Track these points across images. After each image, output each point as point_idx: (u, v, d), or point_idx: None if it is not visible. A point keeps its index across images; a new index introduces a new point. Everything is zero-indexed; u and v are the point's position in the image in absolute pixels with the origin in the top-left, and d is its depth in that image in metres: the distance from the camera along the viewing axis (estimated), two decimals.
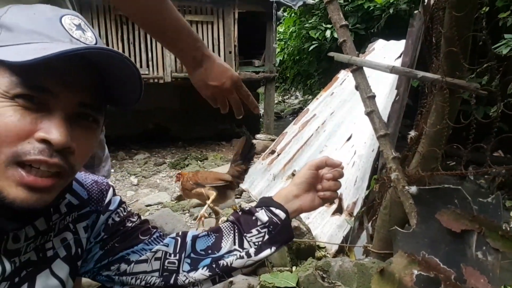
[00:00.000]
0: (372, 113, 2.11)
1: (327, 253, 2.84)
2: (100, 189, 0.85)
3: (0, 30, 0.59)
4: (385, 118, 2.62)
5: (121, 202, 0.90)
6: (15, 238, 0.66)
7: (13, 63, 0.54)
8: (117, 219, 0.86)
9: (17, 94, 0.57)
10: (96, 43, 0.64)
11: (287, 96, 14.36)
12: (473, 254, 1.52)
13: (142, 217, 0.93)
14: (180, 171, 3.71)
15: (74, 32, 0.62)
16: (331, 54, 2.28)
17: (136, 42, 5.91)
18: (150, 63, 6.02)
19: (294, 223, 2.77)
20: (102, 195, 0.85)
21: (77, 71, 0.61)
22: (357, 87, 2.19)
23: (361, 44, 5.96)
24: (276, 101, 11.67)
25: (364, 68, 2.18)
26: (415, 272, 1.75)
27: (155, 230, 0.91)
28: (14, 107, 0.57)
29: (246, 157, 3.06)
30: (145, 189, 4.81)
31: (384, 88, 3.30)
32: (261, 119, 8.32)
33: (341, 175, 0.93)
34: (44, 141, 0.58)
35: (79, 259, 0.80)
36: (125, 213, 0.89)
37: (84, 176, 0.85)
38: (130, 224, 0.87)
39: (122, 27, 5.83)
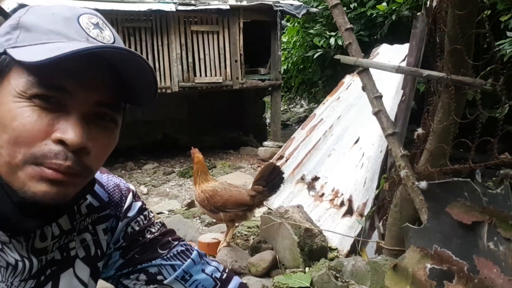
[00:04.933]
0: (379, 113, 2.16)
1: (339, 254, 2.86)
2: (121, 194, 0.85)
3: (19, 30, 0.59)
4: (392, 119, 2.66)
5: (142, 209, 0.88)
6: (42, 236, 0.68)
7: (27, 63, 0.54)
8: (137, 228, 0.86)
9: (34, 94, 0.56)
10: (113, 42, 0.64)
11: (292, 105, 14.44)
12: (485, 245, 1.55)
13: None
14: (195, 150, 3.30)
15: (91, 31, 0.61)
16: (337, 56, 2.34)
17: (144, 53, 6.02)
18: (157, 73, 6.11)
19: (306, 225, 2.81)
20: (122, 200, 0.85)
21: (94, 70, 0.60)
22: (364, 88, 2.24)
23: (365, 51, 5.98)
24: (281, 109, 11.72)
25: (370, 71, 2.23)
26: (428, 266, 1.77)
27: (175, 243, 0.88)
28: (32, 107, 0.56)
29: (270, 183, 2.84)
30: (155, 197, 4.86)
31: (390, 91, 3.34)
32: (267, 127, 8.41)
33: None
34: (60, 141, 0.57)
35: (99, 260, 0.81)
36: (145, 222, 0.87)
37: (107, 179, 0.85)
38: (149, 236, 0.86)
39: (130, 38, 5.95)
